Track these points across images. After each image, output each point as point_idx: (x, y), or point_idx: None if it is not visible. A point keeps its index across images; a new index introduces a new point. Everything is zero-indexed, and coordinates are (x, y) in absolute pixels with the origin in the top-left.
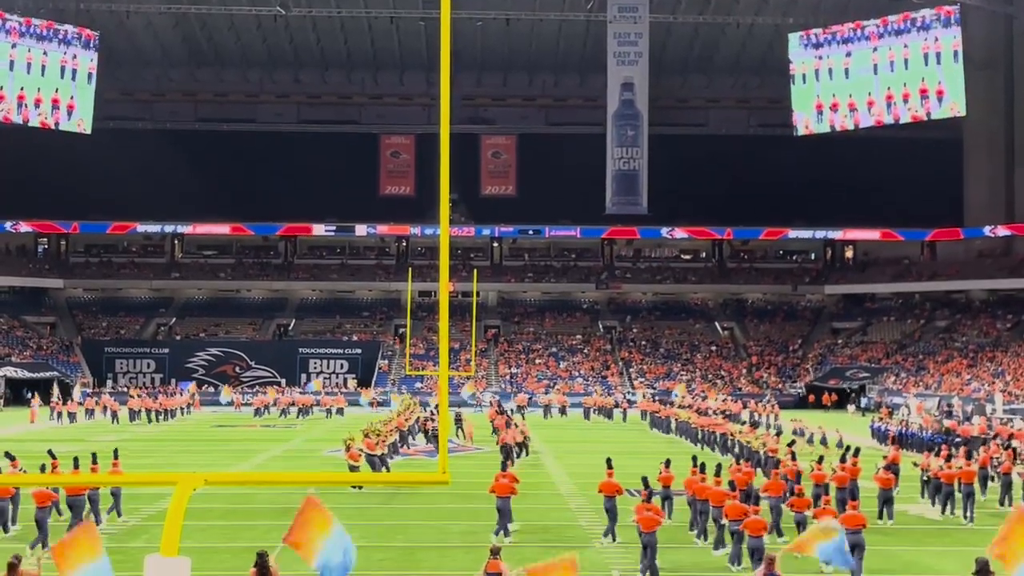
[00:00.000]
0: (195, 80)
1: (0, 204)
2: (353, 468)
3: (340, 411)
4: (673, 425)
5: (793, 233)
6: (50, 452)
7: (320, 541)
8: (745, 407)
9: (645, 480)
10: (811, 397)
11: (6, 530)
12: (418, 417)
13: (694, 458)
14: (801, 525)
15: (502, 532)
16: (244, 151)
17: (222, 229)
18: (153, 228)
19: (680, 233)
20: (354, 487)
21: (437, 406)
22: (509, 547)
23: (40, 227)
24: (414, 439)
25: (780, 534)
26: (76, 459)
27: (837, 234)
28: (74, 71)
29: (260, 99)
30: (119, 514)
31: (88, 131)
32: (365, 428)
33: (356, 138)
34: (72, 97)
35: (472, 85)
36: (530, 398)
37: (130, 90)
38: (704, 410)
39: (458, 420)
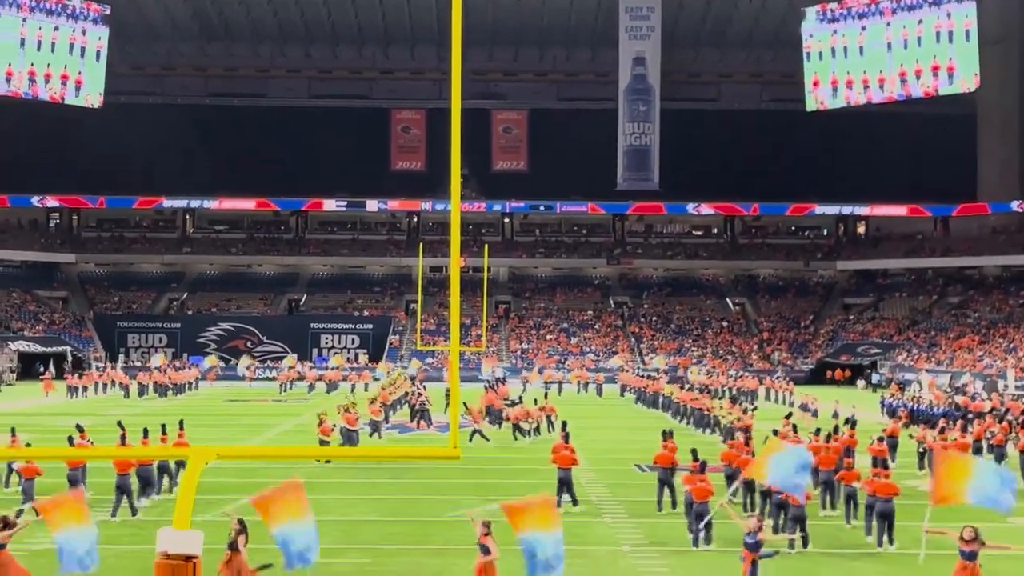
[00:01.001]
0: (205, 55)
1: (13, 179)
2: (323, 443)
3: (366, 387)
4: (660, 400)
5: (820, 209)
6: (78, 427)
7: (289, 519)
8: (761, 383)
9: (695, 452)
10: (829, 373)
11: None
12: (405, 392)
13: (663, 432)
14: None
15: (571, 502)
16: (255, 126)
17: (247, 204)
18: (178, 203)
19: (707, 209)
20: (323, 461)
21: (422, 383)
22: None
23: (67, 201)
24: (393, 414)
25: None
26: (146, 430)
27: (864, 210)
28: (83, 48)
29: (271, 74)
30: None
31: (98, 106)
32: (343, 403)
33: (367, 113)
34: (80, 72)
35: (483, 60)
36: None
37: (140, 64)
38: (696, 386)
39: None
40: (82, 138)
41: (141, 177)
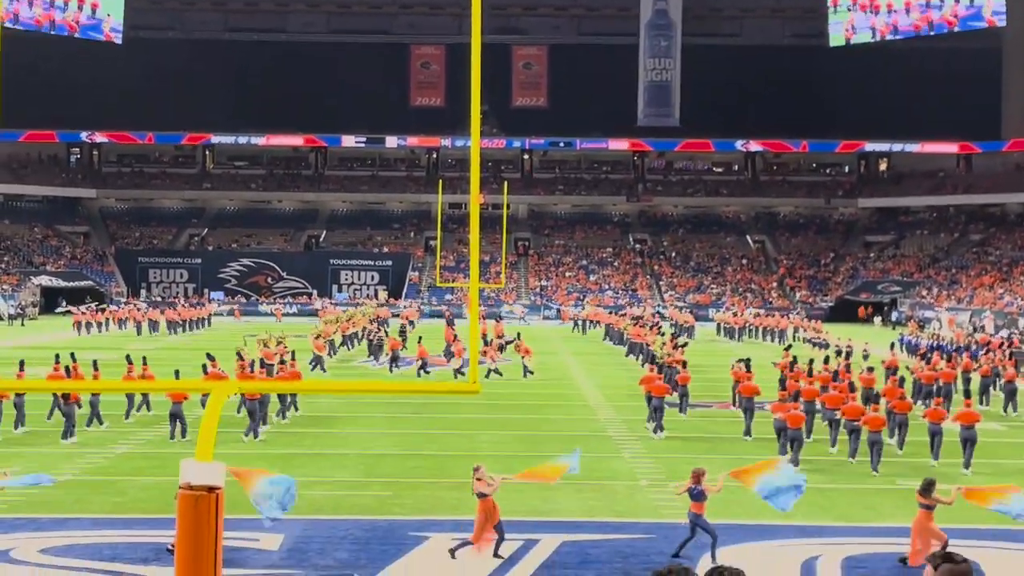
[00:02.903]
0: None
1: (33, 114)
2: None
3: (411, 323)
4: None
5: (871, 146)
6: (128, 358)
7: (260, 477)
8: (790, 322)
9: (782, 381)
10: (862, 310)
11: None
12: (364, 327)
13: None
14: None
15: (657, 426)
16: (273, 62)
17: (295, 140)
18: (226, 139)
19: (755, 146)
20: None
21: (383, 321)
22: (536, 457)
23: (118, 138)
24: (349, 349)
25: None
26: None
27: (915, 147)
28: None
29: (290, 8)
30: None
31: (119, 41)
32: (262, 337)
33: (387, 48)
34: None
35: None
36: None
37: None
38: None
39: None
40: (102, 73)
41: (160, 113)
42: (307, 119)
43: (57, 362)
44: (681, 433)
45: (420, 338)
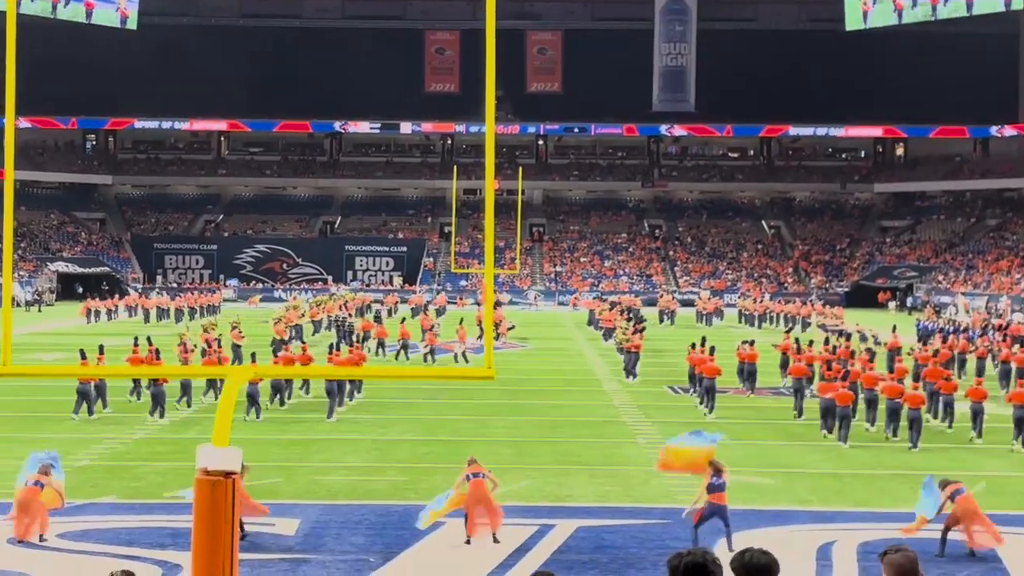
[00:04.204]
0: None
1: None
2: (183, 362)
3: (441, 310)
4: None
5: (886, 131)
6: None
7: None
8: (812, 309)
9: (829, 363)
10: (882, 295)
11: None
12: (337, 316)
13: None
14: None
15: (709, 408)
16: (288, 47)
17: (375, 127)
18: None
19: (774, 132)
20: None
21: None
22: (551, 442)
23: (132, 123)
24: (316, 334)
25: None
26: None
27: (931, 132)
28: None
29: None
30: (188, 404)
31: (135, 27)
32: (204, 323)
33: (401, 34)
34: None
35: None
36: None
37: None
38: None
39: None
40: (116, 60)
41: (174, 99)
42: (321, 106)
43: (136, 345)
44: (696, 419)
45: (403, 319)
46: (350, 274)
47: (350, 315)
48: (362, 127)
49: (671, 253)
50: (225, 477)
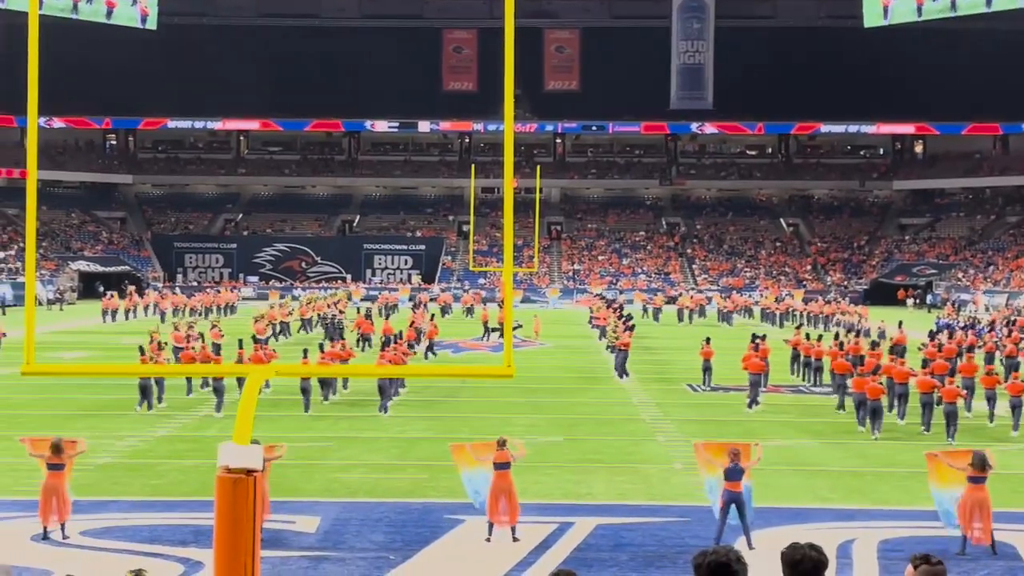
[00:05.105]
0: None
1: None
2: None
3: (470, 310)
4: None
5: (905, 128)
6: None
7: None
8: (837, 308)
9: (861, 358)
10: (902, 293)
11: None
12: (326, 314)
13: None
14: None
15: (752, 401)
16: (306, 46)
17: (394, 126)
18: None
19: (797, 130)
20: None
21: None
22: (570, 440)
23: (153, 124)
24: (305, 332)
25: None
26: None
27: (950, 129)
28: None
29: None
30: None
31: (154, 27)
32: (175, 321)
33: (419, 33)
34: None
35: None
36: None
37: None
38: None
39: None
40: (136, 60)
41: (194, 99)
42: (339, 105)
43: (158, 344)
44: (714, 416)
45: (388, 315)
46: (368, 272)
47: (341, 312)
48: (380, 126)
49: (689, 251)
50: (247, 475)
